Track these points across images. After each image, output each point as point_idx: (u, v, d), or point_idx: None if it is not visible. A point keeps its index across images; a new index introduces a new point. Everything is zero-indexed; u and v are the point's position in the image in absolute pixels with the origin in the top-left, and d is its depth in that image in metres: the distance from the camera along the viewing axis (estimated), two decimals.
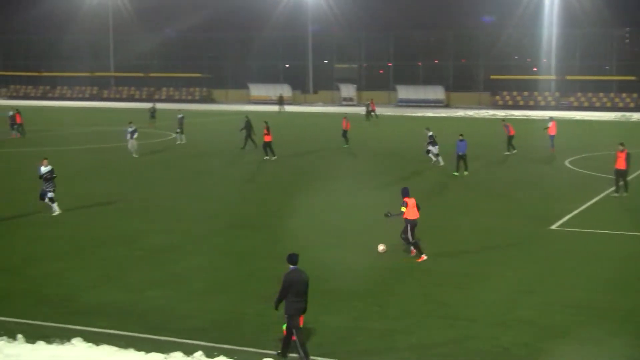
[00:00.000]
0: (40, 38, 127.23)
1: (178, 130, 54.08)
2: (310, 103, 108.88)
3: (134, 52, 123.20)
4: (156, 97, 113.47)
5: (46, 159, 29.39)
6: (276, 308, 15.17)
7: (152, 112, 70.57)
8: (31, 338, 15.84)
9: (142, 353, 15.19)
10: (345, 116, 54.68)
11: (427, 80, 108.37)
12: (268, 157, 44.52)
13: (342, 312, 17.77)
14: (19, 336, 15.89)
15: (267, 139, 44.68)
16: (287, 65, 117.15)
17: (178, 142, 53.56)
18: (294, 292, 14.77)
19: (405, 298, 18.91)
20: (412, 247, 22.67)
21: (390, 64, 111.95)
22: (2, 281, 20.11)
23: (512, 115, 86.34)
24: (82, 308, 17.96)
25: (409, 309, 18.08)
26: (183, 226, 27.03)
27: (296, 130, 66.29)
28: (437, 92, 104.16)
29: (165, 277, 20.52)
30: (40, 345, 15.55)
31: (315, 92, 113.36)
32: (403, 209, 22.08)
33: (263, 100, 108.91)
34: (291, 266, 15.00)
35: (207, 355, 15.08)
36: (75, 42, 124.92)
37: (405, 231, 22.41)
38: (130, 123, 46.04)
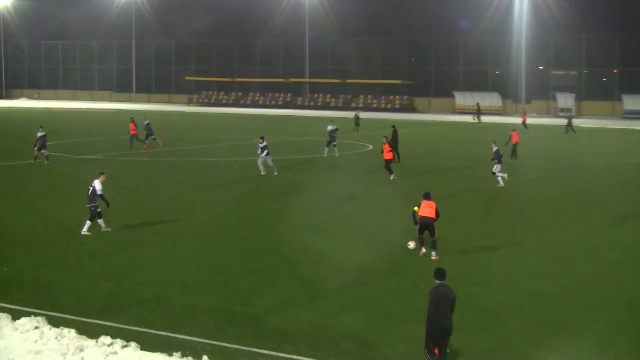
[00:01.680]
0: (234, 42, 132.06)
1: (330, 141, 53.34)
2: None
3: (330, 57, 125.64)
4: (353, 104, 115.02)
5: (103, 173, 28.60)
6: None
7: (356, 120, 71.50)
8: (216, 359, 16.17)
9: None
10: (514, 128, 53.31)
11: None
12: (394, 177, 42.63)
13: (558, 348, 17.20)
14: (205, 358, 16.26)
15: (388, 156, 42.83)
16: (497, 72, 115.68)
17: (327, 155, 53.00)
18: (438, 309, 14.93)
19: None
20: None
21: (615, 71, 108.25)
22: (188, 298, 20.68)
23: None
24: (271, 330, 18.20)
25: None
26: (368, 245, 27.13)
27: (474, 143, 65.35)
28: None
29: (359, 301, 20.50)
30: None
31: (528, 101, 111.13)
32: (415, 208, 25.22)
33: (469, 110, 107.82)
34: (437, 281, 15.27)
35: None
36: (269, 46, 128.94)
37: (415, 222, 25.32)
38: (261, 138, 44.36)
